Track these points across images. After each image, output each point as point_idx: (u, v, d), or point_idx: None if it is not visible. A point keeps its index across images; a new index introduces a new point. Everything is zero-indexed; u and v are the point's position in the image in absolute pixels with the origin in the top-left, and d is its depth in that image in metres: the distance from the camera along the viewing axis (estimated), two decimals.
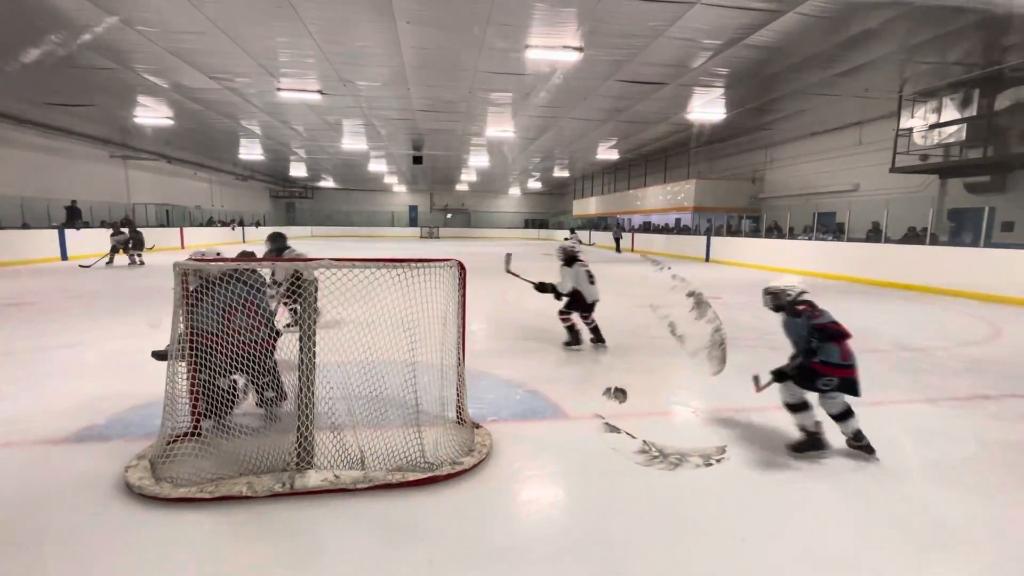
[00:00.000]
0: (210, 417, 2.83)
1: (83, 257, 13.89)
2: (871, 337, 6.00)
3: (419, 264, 2.70)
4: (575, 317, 5.19)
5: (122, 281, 10.36)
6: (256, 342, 2.91)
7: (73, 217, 15.52)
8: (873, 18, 7.64)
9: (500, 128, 16.45)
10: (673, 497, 2.44)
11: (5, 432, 3.03)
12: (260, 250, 6.34)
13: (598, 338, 5.24)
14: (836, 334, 2.80)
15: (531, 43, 8.82)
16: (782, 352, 4.37)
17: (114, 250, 13.01)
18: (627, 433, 3.10)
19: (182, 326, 2.69)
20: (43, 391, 3.80)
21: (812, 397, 2.89)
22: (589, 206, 31.98)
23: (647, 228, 24.99)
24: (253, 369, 2.84)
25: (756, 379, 2.89)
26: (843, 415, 2.82)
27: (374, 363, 2.82)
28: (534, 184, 36.45)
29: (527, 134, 17.72)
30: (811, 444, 2.87)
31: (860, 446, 2.84)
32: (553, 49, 8.96)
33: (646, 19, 7.85)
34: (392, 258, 2.67)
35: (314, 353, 2.49)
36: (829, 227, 14.47)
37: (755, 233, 17.37)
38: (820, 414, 2.89)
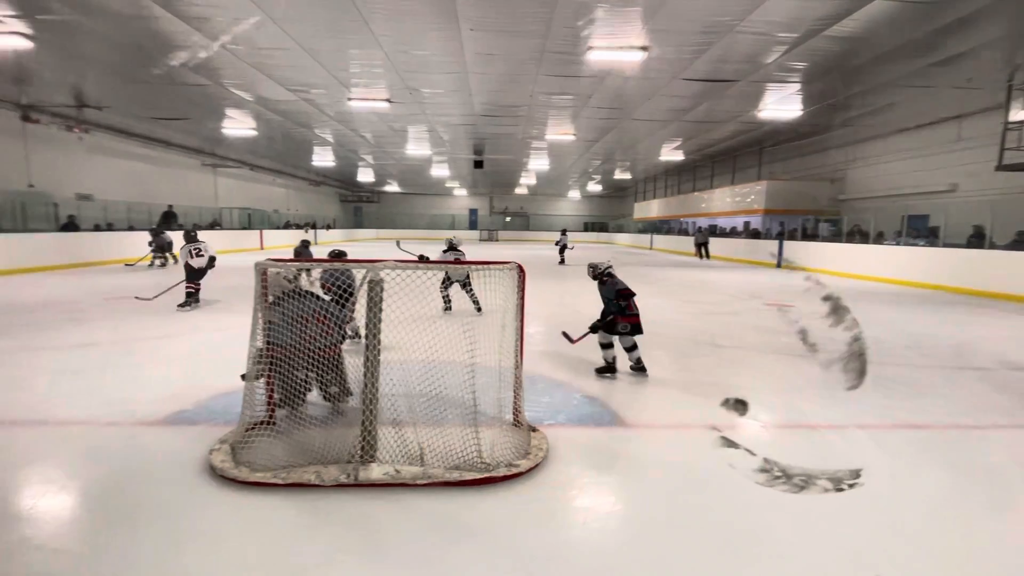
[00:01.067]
0: (284, 407, 3.03)
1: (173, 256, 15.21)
2: (970, 353, 5.42)
3: (480, 267, 2.73)
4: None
5: (207, 280, 11.29)
6: (325, 347, 3.05)
7: (169, 220, 17.08)
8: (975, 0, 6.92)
9: (560, 131, 16.41)
10: (752, 520, 2.32)
11: (111, 412, 3.38)
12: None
13: (638, 367, 4.44)
14: (629, 295, 4.22)
15: (594, 44, 8.73)
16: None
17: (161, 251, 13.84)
18: (746, 449, 2.92)
19: (260, 340, 2.86)
20: (141, 377, 4.20)
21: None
22: (651, 209, 31.16)
23: (712, 232, 23.95)
24: (320, 369, 2.99)
25: (566, 335, 4.61)
26: (632, 348, 4.30)
27: (434, 363, 2.89)
28: (594, 187, 36.01)
29: (588, 136, 17.55)
30: (608, 369, 4.36)
31: (638, 368, 4.34)
32: (617, 50, 8.83)
33: (716, 14, 7.55)
34: (455, 261, 2.72)
35: (379, 351, 2.59)
36: (921, 231, 13.21)
37: (834, 237, 16.18)
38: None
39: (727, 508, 2.37)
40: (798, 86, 11.27)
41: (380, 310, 2.63)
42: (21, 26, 8.19)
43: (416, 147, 20.32)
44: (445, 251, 7.41)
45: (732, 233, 22.45)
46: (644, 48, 8.74)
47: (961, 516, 2.35)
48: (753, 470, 2.70)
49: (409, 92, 12.11)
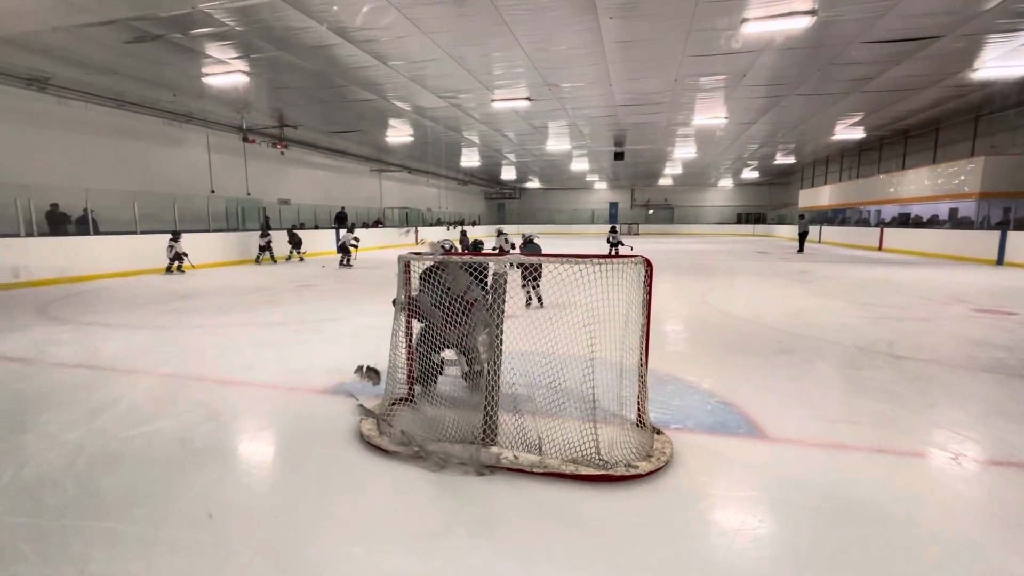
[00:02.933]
0: (421, 384, 3.35)
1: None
2: None
3: (602, 260, 2.68)
4: None
5: (370, 271, 12.83)
6: (468, 327, 3.30)
7: (342, 220, 19.81)
8: None
9: (711, 115, 15.19)
10: (910, 566, 1.93)
11: (292, 380, 4.07)
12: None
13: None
14: None
15: (749, 15, 7.89)
16: None
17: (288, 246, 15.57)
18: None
19: (404, 299, 3.20)
20: (316, 353, 4.96)
21: None
22: (821, 196, 27.20)
23: (905, 222, 20.04)
24: (465, 348, 3.22)
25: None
26: None
27: (556, 355, 2.92)
28: (749, 174, 32.68)
29: (743, 119, 15.97)
30: None
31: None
32: (777, 18, 7.86)
33: None
34: (576, 254, 2.71)
35: (501, 340, 2.70)
36: None
37: None
38: None
39: (891, 545, 1.99)
40: None
41: (504, 300, 2.73)
42: (242, 64, 10.18)
43: (556, 142, 20.55)
44: (523, 245, 7.51)
45: (930, 223, 18.56)
46: (811, 12, 7.63)
47: None
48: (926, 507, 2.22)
49: (549, 88, 12.28)
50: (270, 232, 14.85)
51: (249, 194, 17.39)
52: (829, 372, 4.28)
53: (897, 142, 20.49)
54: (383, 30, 8.51)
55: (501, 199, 43.07)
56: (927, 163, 18.36)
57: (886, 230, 19.65)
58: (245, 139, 16.11)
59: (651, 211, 39.81)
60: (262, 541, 2.05)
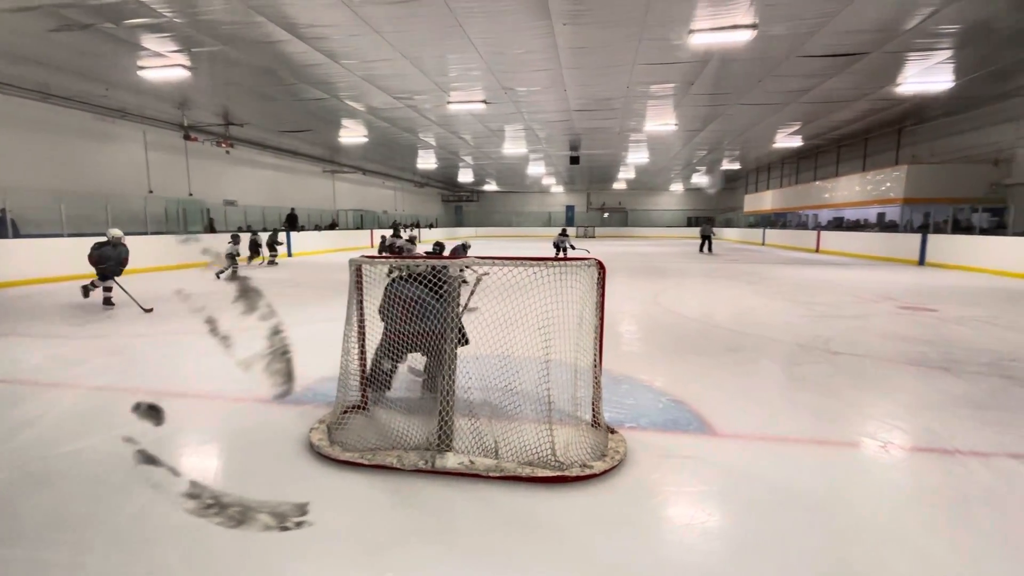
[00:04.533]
0: (372, 389, 3.27)
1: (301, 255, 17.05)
2: None
3: (556, 263, 2.70)
4: None
5: (325, 275, 12.46)
6: (420, 335, 3.21)
7: (293, 222, 19.16)
8: None
9: (661, 121, 15.69)
10: (857, 546, 2.05)
11: (237, 390, 3.88)
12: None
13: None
14: None
15: (696, 27, 8.21)
16: (1019, 381, 3.47)
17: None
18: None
19: (356, 313, 3.12)
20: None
21: None
22: (764, 201, 28.65)
23: (839, 225, 21.39)
24: (429, 355, 3.22)
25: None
26: None
27: (511, 357, 2.92)
28: (699, 179, 33.99)
29: (691, 126, 16.60)
30: None
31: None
32: (721, 31, 8.22)
33: None
34: (532, 257, 2.72)
35: (455, 344, 2.67)
36: None
37: (997, 229, 13.67)
38: None
39: (828, 532, 2.11)
40: (948, 53, 9.67)
41: (458, 305, 2.71)
42: (182, 58, 9.66)
43: (513, 146, 20.67)
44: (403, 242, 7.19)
45: (861, 226, 19.90)
46: (753, 27, 8.04)
47: None
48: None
49: (505, 92, 12.33)
50: (239, 238, 13.73)
51: (191, 194, 16.51)
52: (773, 369, 4.50)
53: (831, 151, 21.85)
54: (334, 27, 8.30)
55: (459, 201, 42.88)
56: (857, 171, 19.68)
57: (823, 233, 20.93)
58: (187, 137, 15.30)
59: (606, 214, 40.73)
60: (203, 564, 1.94)
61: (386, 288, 3.29)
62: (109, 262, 7.10)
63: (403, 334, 3.13)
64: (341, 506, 2.33)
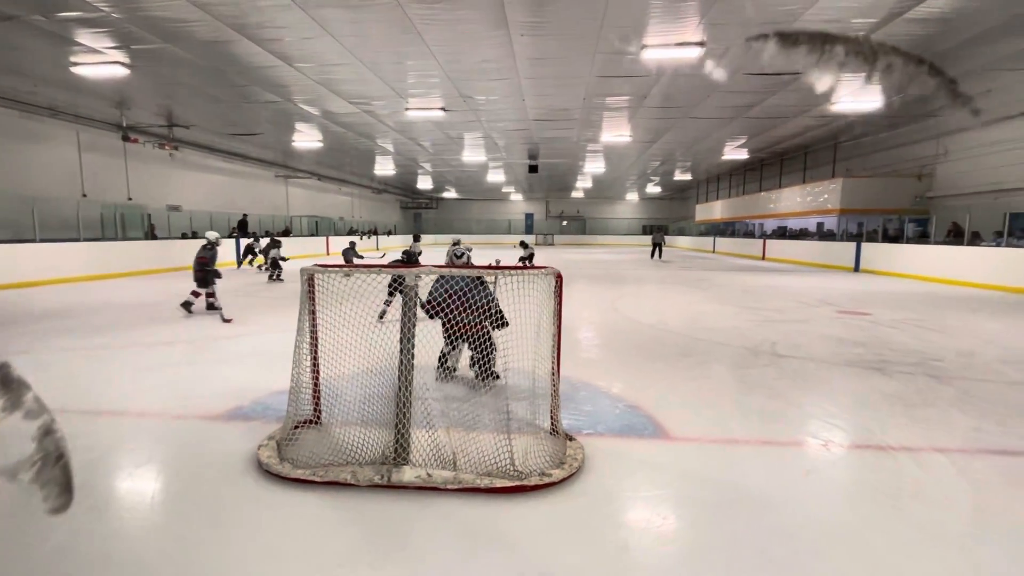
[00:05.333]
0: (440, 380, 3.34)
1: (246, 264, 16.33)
2: None
3: (513, 272, 2.71)
4: None
5: (277, 286, 12.02)
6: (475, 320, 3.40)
7: (243, 228, 18.39)
8: None
9: (616, 133, 16.11)
10: (807, 538, 2.13)
11: (179, 407, 3.66)
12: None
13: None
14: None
15: (648, 43, 8.50)
16: (943, 380, 3.73)
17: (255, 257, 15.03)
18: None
19: (308, 322, 3.01)
20: (209, 374, 4.52)
21: None
22: (714, 211, 29.89)
23: (783, 234, 22.56)
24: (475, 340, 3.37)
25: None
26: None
27: (465, 367, 2.89)
28: (653, 189, 35.07)
29: (645, 137, 17.12)
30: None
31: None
32: (672, 47, 8.54)
33: (779, 3, 7.13)
34: (487, 266, 2.71)
35: (412, 355, 2.62)
36: None
37: (922, 238, 14.77)
38: None
39: (776, 530, 2.19)
40: (876, 75, 10.39)
41: (414, 314, 2.66)
42: (120, 56, 9.13)
43: (472, 154, 20.67)
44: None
45: (803, 235, 21.06)
46: (701, 44, 8.40)
47: None
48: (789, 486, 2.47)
49: (463, 100, 12.33)
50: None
51: (131, 199, 15.58)
52: (723, 372, 4.66)
53: (775, 163, 23.06)
54: (287, 29, 8.07)
55: (418, 208, 42.46)
56: (798, 183, 20.84)
57: (768, 241, 22.01)
58: (126, 138, 14.44)
59: (565, 222, 41.35)
60: None
61: (434, 285, 3.59)
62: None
63: (456, 323, 3.40)
64: (290, 527, 2.22)
